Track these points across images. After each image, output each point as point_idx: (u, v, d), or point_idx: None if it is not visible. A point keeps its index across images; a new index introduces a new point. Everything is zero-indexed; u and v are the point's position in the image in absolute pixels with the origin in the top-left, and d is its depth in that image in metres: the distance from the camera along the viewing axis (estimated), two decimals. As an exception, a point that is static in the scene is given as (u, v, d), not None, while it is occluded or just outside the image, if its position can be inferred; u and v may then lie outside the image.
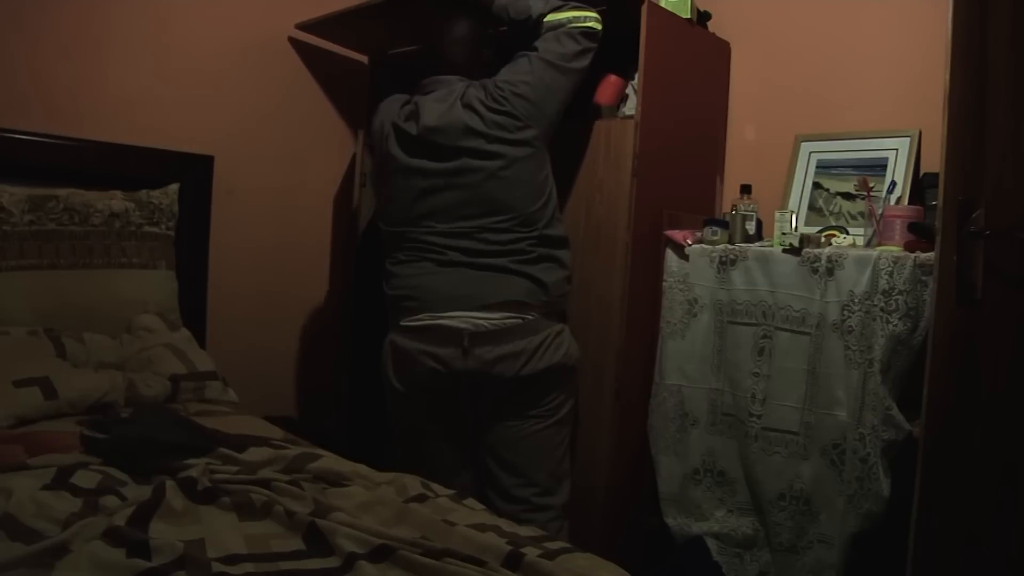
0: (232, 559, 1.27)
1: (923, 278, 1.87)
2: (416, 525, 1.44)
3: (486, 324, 2.07)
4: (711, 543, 2.23)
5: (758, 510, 2.17)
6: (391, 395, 2.25)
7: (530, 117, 2.10)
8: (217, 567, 1.23)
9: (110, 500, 1.43)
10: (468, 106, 2.11)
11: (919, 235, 1.98)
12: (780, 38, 2.63)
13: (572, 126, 2.31)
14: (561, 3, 2.18)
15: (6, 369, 1.94)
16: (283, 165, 3.06)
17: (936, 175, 1.78)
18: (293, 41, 3.04)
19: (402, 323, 2.17)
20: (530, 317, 2.10)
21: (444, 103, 2.14)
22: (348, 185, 3.19)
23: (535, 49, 2.14)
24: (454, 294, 2.10)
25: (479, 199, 2.10)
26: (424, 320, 2.12)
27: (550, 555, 1.34)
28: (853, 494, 1.95)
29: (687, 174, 2.57)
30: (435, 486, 1.66)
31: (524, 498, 2.16)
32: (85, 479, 1.50)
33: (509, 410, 2.14)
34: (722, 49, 2.69)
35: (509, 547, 1.34)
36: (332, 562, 1.28)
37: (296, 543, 1.34)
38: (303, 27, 2.95)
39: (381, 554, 1.29)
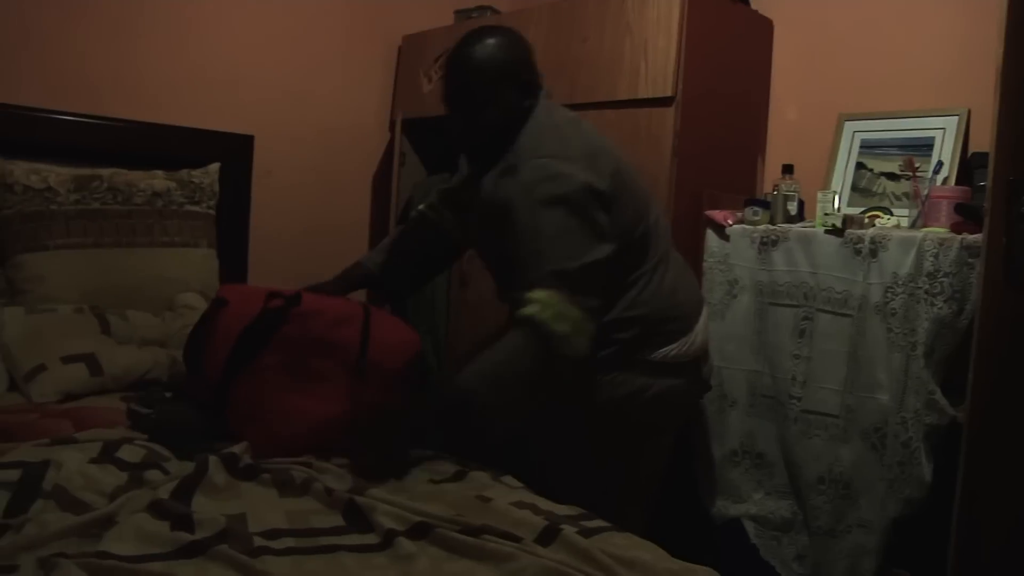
0: (273, 534, 1.29)
1: (970, 260, 1.83)
2: (450, 503, 1.44)
3: None
4: (748, 525, 2.22)
5: (796, 493, 2.15)
6: None
7: None
8: (259, 541, 1.25)
9: (154, 474, 1.46)
10: None
11: (967, 217, 1.94)
12: (823, 15, 2.57)
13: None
14: None
15: (54, 346, 1.98)
16: (321, 145, 3.08)
17: (985, 155, 1.74)
18: (331, 20, 3.05)
19: None
20: None
21: None
22: (387, 166, 3.20)
23: None
24: None
25: None
26: None
27: (586, 533, 1.34)
28: (894, 479, 1.92)
29: (728, 154, 2.54)
30: (472, 464, 1.66)
31: None
32: (130, 453, 1.53)
33: None
34: (764, 26, 2.65)
35: (545, 522, 1.35)
36: (371, 538, 1.30)
37: (336, 519, 1.36)
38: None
39: (420, 531, 1.30)
